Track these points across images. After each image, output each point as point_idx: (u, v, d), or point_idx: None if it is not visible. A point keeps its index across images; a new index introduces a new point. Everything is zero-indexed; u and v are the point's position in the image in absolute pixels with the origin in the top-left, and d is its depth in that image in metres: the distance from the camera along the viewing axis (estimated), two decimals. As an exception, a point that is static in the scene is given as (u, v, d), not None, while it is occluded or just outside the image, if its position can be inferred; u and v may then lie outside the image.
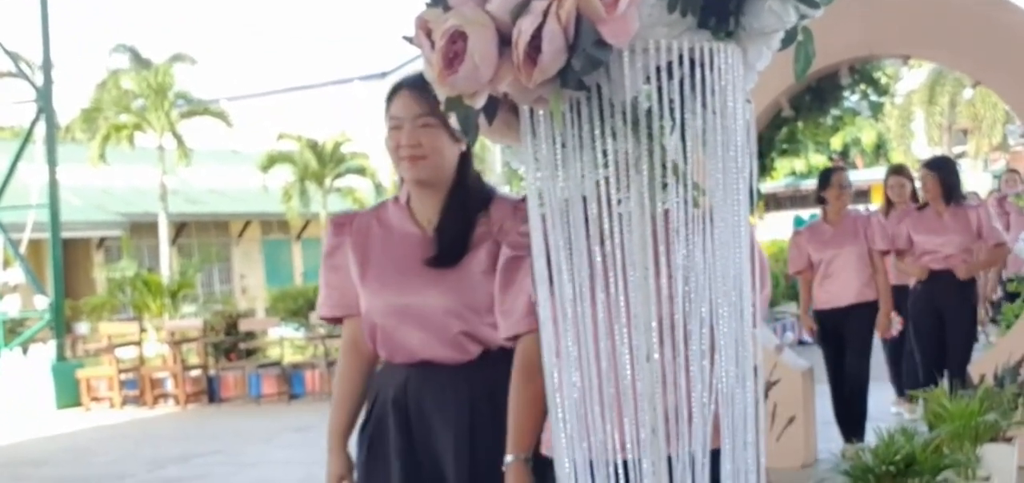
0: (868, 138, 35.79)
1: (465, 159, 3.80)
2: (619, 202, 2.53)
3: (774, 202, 32.63)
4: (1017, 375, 7.82)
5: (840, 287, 9.15)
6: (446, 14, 2.36)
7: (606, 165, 2.54)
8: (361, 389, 3.97)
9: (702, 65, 2.42)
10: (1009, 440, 7.42)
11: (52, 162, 19.15)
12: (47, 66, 18.68)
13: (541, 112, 2.45)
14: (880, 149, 37.09)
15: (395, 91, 3.81)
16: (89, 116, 30.91)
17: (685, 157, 2.50)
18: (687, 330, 2.50)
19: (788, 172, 30.67)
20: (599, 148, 2.50)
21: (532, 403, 3.40)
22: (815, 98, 10.28)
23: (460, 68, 2.32)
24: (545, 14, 2.26)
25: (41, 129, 19.13)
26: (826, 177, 9.51)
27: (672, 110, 2.48)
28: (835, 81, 10.25)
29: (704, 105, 2.48)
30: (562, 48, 2.27)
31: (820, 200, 9.48)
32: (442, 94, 2.42)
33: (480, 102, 2.38)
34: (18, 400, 17.65)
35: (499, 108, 2.46)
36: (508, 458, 3.49)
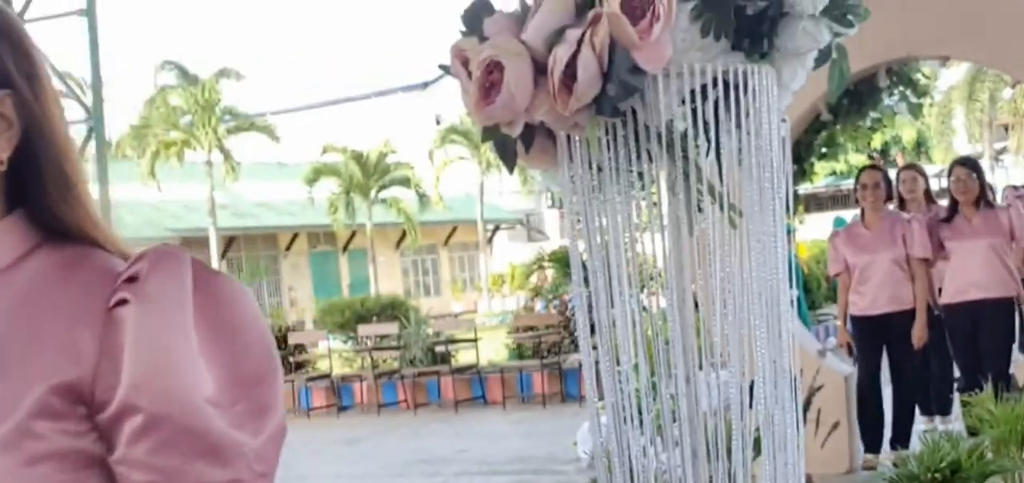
0: (908, 136, 35.55)
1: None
2: (657, 224, 2.54)
3: (815, 203, 32.48)
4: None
5: (875, 294, 8.72)
6: (482, 45, 2.37)
7: (642, 187, 2.54)
8: None
9: (736, 87, 2.42)
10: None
11: (103, 180, 19.24)
12: (97, 86, 18.78)
13: (577, 138, 2.46)
14: (921, 147, 36.83)
15: None
16: (138, 133, 31.18)
17: (721, 178, 2.49)
18: (725, 351, 2.50)
19: (828, 173, 30.49)
20: (635, 171, 2.50)
21: None
22: (853, 101, 10.17)
23: (497, 98, 2.33)
24: (579, 42, 2.26)
25: (92, 148, 19.29)
26: (857, 176, 9.12)
27: (707, 132, 2.47)
28: (873, 84, 10.13)
29: (739, 126, 2.48)
30: (597, 75, 2.27)
31: (856, 200, 9.10)
32: (479, 123, 2.43)
33: (517, 130, 2.38)
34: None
35: (535, 135, 2.46)
36: None
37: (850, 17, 2.47)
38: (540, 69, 2.33)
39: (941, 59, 10.64)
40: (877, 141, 34.03)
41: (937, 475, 5.34)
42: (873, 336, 8.82)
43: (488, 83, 2.34)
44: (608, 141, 2.46)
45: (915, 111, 11.40)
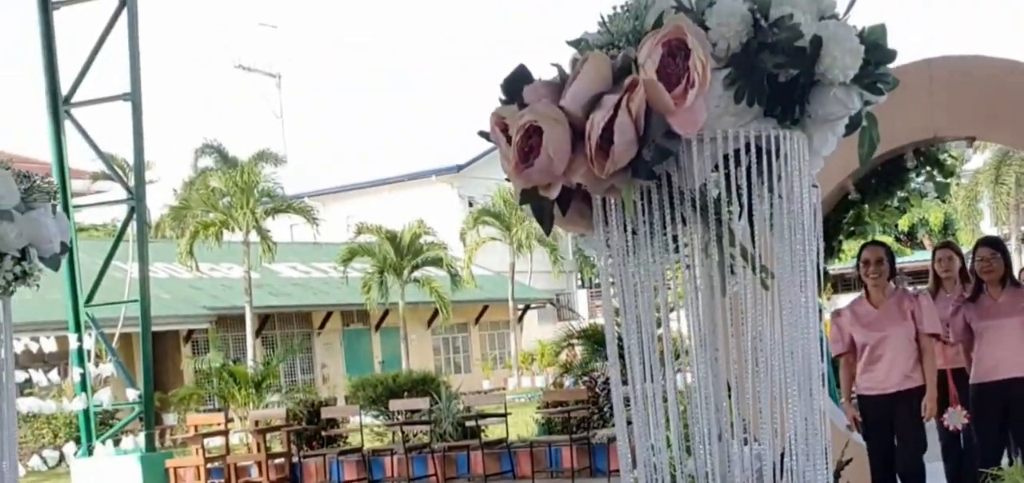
0: (935, 218, 35.47)
1: None
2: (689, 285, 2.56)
3: (842, 283, 32.29)
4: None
5: (887, 372, 8.25)
6: (521, 111, 2.42)
7: (676, 250, 2.57)
8: None
9: (768, 152, 2.45)
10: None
11: (143, 260, 19.40)
12: (139, 167, 18.98)
13: (613, 201, 2.49)
14: (947, 228, 36.69)
15: None
16: (178, 214, 31.44)
17: (753, 241, 2.52)
18: (757, 402, 2.51)
19: (855, 253, 30.32)
20: (669, 234, 2.53)
21: None
22: (881, 181, 10.14)
23: (535, 162, 2.37)
24: (616, 108, 2.30)
25: (133, 228, 19.40)
26: (858, 252, 8.61)
27: (739, 196, 2.50)
28: (900, 164, 10.10)
29: (771, 190, 2.51)
30: (633, 140, 2.31)
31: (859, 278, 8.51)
32: (518, 187, 2.47)
33: (554, 193, 2.42)
34: (110, 490, 17.79)
35: (572, 199, 2.50)
36: None
37: (880, 85, 2.51)
38: (577, 134, 2.37)
39: (968, 140, 10.63)
40: (904, 223, 33.96)
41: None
42: (883, 414, 8.33)
43: (527, 147, 2.38)
44: (643, 205, 2.49)
45: (942, 192, 11.33)
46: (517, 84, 2.54)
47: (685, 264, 2.58)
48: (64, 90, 18.14)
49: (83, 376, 19.09)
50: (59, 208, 3.87)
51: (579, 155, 2.37)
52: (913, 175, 10.30)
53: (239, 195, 30.36)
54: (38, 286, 3.68)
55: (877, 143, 2.60)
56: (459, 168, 46.91)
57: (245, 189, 30.35)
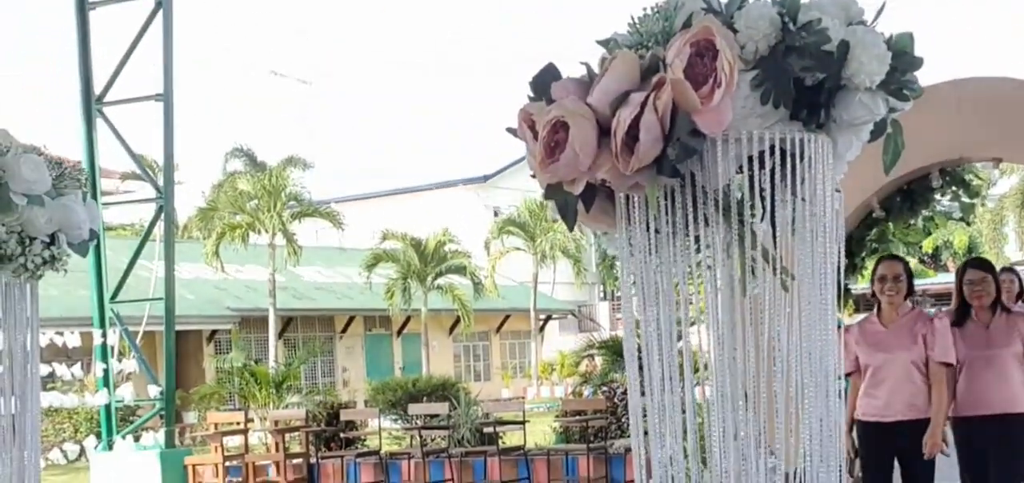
0: (960, 241, 35.32)
1: None
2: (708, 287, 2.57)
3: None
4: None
5: (888, 398, 7.65)
6: (549, 107, 2.44)
7: (698, 250, 2.58)
8: None
9: (793, 154, 2.46)
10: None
11: (169, 259, 19.47)
12: (168, 167, 19.06)
13: (636, 199, 2.51)
14: (971, 252, 36.45)
15: None
16: (205, 215, 31.55)
17: (774, 243, 2.53)
18: (773, 408, 2.51)
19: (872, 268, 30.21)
20: (692, 234, 2.54)
21: None
22: (906, 200, 10.09)
23: (561, 156, 2.39)
24: (643, 105, 2.32)
25: (160, 227, 19.49)
26: (874, 266, 8.16)
27: (763, 198, 2.51)
28: (926, 184, 10.06)
29: (794, 194, 2.52)
30: (659, 137, 2.33)
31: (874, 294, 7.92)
32: (543, 181, 2.49)
33: (579, 188, 2.44)
34: (130, 485, 17.88)
35: (596, 196, 2.52)
36: None
37: (906, 92, 2.52)
38: (603, 131, 2.39)
39: (994, 162, 10.60)
40: (929, 245, 33.82)
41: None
42: (883, 446, 7.75)
43: (553, 142, 2.41)
44: (666, 204, 2.51)
45: (967, 212, 11.26)
46: (545, 81, 2.56)
47: (706, 264, 2.59)
48: (97, 89, 18.27)
49: (106, 371, 19.19)
50: (89, 196, 3.90)
51: (604, 151, 2.39)
52: (939, 195, 10.26)
53: (266, 198, 30.49)
54: (66, 271, 3.71)
55: (902, 150, 2.61)
56: (486, 178, 47.00)
57: (273, 192, 30.47)
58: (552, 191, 2.50)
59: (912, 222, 10.64)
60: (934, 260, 39.24)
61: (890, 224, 10.26)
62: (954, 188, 10.37)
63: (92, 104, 18.16)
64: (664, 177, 2.41)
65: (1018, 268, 12.36)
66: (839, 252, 2.65)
